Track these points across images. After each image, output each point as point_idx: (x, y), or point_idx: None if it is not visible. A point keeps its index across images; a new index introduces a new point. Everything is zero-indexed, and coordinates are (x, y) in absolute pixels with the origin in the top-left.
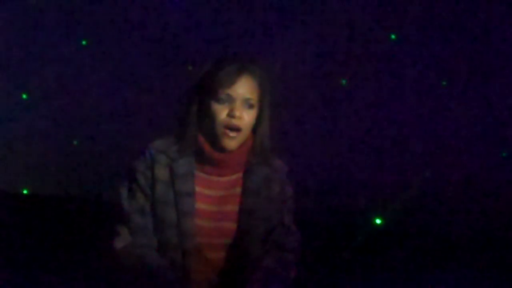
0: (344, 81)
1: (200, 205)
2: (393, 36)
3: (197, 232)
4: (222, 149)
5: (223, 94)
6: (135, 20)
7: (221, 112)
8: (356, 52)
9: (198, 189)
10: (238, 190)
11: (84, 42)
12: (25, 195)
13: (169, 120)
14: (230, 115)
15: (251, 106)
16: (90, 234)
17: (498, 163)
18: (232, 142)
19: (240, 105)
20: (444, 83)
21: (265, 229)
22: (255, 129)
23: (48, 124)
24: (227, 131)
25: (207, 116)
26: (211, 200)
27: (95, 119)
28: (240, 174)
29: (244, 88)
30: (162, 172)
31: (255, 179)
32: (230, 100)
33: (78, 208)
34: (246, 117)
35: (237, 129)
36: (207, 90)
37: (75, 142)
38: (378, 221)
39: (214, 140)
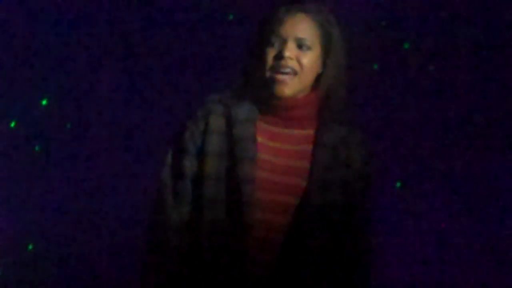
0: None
1: (263, 155)
2: (406, 45)
3: (259, 185)
4: (277, 98)
5: (273, 35)
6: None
7: (270, 54)
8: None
9: (260, 139)
10: (311, 146)
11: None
12: None
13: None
14: (279, 56)
15: (308, 48)
16: None
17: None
18: (283, 87)
19: (291, 45)
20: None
21: (340, 207)
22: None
23: None
24: (277, 75)
25: (259, 62)
26: (276, 152)
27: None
28: (312, 131)
29: (295, 27)
30: (218, 122)
31: (331, 136)
32: (280, 41)
33: None
34: (303, 59)
35: (289, 72)
36: (259, 35)
37: None
38: None
39: (268, 88)
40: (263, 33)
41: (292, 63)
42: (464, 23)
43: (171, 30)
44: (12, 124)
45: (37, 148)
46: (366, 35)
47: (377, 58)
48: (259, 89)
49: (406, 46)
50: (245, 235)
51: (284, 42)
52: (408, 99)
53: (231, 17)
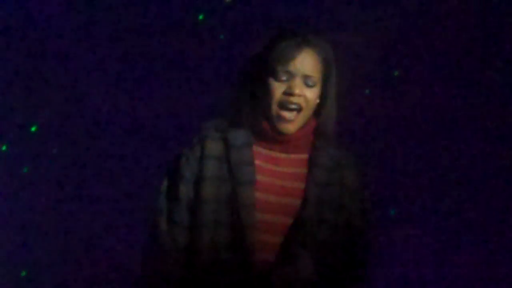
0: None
1: (260, 177)
2: (396, 73)
3: (257, 206)
4: (279, 133)
5: (281, 70)
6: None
7: (278, 90)
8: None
9: (257, 162)
10: (307, 169)
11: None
12: None
13: None
14: (288, 92)
15: (313, 84)
16: None
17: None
18: (289, 125)
19: (300, 82)
20: None
21: (335, 225)
22: (319, 110)
23: None
24: (284, 113)
25: (263, 94)
26: (272, 174)
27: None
28: (307, 155)
29: (304, 64)
30: (214, 147)
31: (326, 157)
32: (289, 76)
33: None
34: (308, 95)
35: (295, 109)
36: (264, 65)
37: None
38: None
39: (271, 122)
40: (268, 63)
41: (300, 100)
42: (450, 53)
43: (159, 51)
44: (4, 148)
45: (25, 170)
46: (360, 64)
47: (369, 84)
48: (261, 122)
49: (396, 73)
50: (247, 257)
51: (292, 78)
52: (398, 123)
53: (221, 37)
